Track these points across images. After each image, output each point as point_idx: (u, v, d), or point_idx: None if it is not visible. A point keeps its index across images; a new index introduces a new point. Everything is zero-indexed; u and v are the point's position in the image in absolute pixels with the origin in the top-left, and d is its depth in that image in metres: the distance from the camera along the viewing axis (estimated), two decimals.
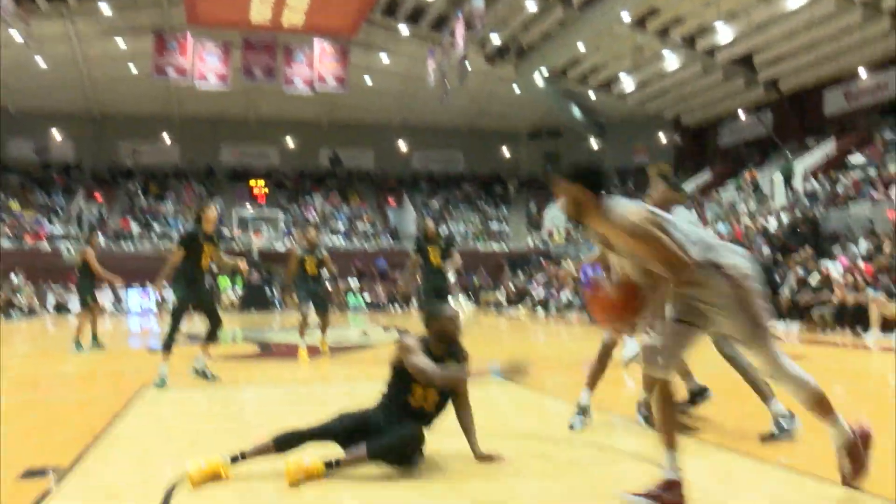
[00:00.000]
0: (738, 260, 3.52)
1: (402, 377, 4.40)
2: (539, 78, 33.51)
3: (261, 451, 4.11)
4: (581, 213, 3.53)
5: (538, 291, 25.73)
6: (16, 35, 27.25)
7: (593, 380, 5.53)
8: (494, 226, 38.68)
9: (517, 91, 35.03)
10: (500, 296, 28.47)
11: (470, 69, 30.19)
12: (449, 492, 3.78)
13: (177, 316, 8.08)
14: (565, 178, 3.53)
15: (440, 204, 39.92)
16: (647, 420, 5.37)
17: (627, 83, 32.78)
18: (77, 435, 5.24)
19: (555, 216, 35.40)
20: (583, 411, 5.39)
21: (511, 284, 28.73)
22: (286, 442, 4.12)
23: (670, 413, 3.53)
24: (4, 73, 31.30)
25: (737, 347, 5.20)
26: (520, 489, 3.87)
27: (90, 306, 12.56)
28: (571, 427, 5.31)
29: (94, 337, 12.52)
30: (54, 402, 7.08)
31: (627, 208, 3.45)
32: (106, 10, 28.89)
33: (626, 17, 26.93)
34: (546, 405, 6.67)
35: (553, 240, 34.62)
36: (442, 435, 4.63)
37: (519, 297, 26.87)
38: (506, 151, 41.99)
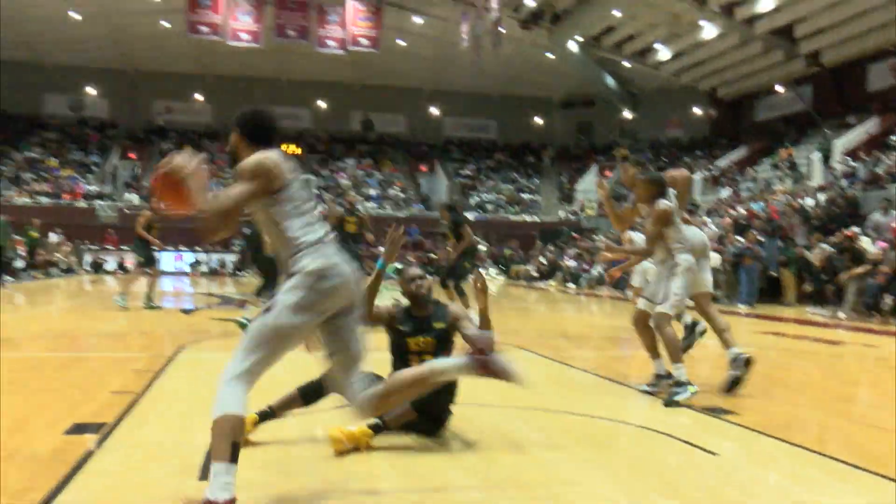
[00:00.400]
0: (321, 263, 3.07)
1: (396, 349, 4.49)
2: (573, 45, 33.11)
3: (288, 403, 4.15)
4: (233, 160, 3.31)
5: (569, 265, 25.62)
6: None
7: (653, 350, 5.82)
8: (526, 196, 38.46)
9: (550, 58, 34.63)
10: (531, 268, 28.39)
11: (503, 32, 29.87)
12: (482, 462, 3.81)
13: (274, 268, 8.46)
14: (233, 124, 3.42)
15: (472, 172, 39.78)
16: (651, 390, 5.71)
17: (663, 53, 32.29)
18: (118, 393, 5.35)
19: (587, 189, 35.14)
20: (659, 379, 5.75)
21: (542, 257, 28.65)
22: (311, 393, 4.16)
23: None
24: (40, 27, 31.75)
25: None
26: (553, 462, 3.89)
27: (144, 268, 12.91)
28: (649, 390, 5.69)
29: (149, 298, 12.74)
30: (95, 360, 7.21)
31: (256, 155, 3.15)
32: None
33: None
34: (575, 379, 6.68)
35: (585, 213, 34.42)
36: (473, 407, 4.67)
37: (550, 269, 26.78)
38: (538, 120, 41.65)
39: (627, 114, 37.54)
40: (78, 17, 31.33)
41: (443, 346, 4.43)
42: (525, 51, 34.38)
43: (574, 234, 30.15)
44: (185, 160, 3.00)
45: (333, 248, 3.19)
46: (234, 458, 2.87)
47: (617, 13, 29.85)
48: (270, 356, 3.03)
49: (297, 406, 4.15)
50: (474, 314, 10.71)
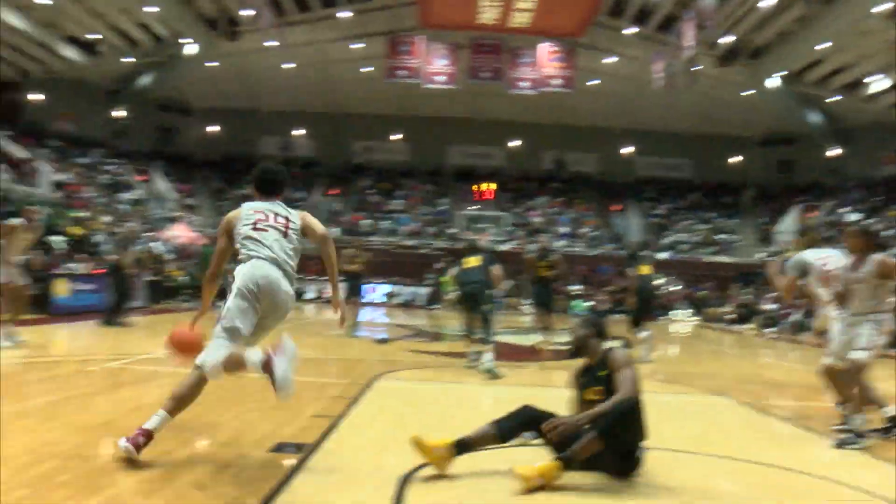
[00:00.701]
0: (243, 273, 4.32)
1: (577, 403, 4.56)
2: (773, 81, 31.63)
3: (485, 439, 4.25)
4: None
5: (768, 308, 24.27)
6: (269, 42, 30.17)
7: (858, 402, 5.64)
8: (722, 236, 36.95)
9: (748, 94, 33.24)
10: (727, 310, 27.18)
11: (699, 69, 29.09)
12: None
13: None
14: None
15: (665, 211, 38.85)
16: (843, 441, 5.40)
17: (876, 84, 30.00)
18: (317, 416, 5.64)
19: (788, 230, 33.28)
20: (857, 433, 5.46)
21: (739, 299, 27.37)
22: (508, 430, 4.27)
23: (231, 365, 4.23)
24: (259, 78, 35.09)
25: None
26: None
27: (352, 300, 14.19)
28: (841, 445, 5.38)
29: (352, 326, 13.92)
30: (296, 384, 7.59)
31: (230, 213, 4.59)
32: (345, 16, 31.00)
33: (880, 8, 24.55)
34: (775, 428, 6.31)
35: (786, 254, 32.45)
36: (666, 453, 4.53)
37: (747, 313, 25.51)
38: (735, 158, 40.05)
39: (834, 150, 35.23)
40: (292, 64, 33.90)
41: (609, 392, 4.35)
42: (721, 88, 33.27)
43: None
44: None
45: (259, 263, 4.35)
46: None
47: (824, 45, 28.20)
48: (236, 331, 4.31)
49: (493, 443, 4.24)
50: (645, 348, 10.87)
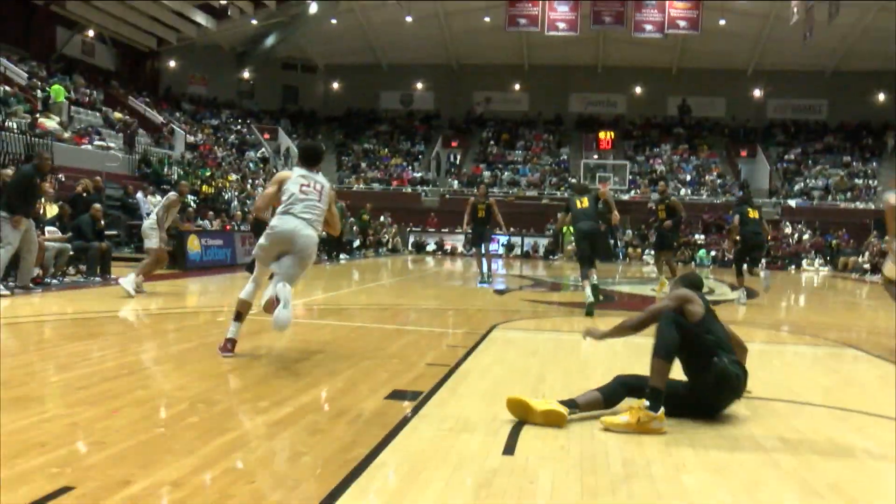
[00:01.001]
0: (274, 222, 5.73)
1: None
2: None
3: (591, 404, 4.26)
4: None
5: None
6: None
7: None
8: (860, 181, 34.78)
9: None
10: (863, 260, 25.77)
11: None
12: (801, 465, 3.52)
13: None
14: None
15: (797, 156, 36.89)
16: None
17: None
18: (433, 365, 5.71)
19: None
20: None
21: (877, 248, 25.86)
22: (612, 396, 4.29)
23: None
24: (379, 33, 35.58)
25: None
26: (887, 474, 3.48)
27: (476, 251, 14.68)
28: None
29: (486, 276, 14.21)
30: (413, 333, 7.73)
31: (281, 172, 6.08)
32: None
33: None
34: None
35: None
36: (789, 405, 4.33)
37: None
38: (880, 97, 37.36)
39: None
40: (412, 18, 33.99)
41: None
42: (868, 18, 30.87)
43: None
44: None
45: (289, 217, 5.69)
46: (236, 318, 5.74)
47: None
48: (262, 265, 5.94)
49: (600, 408, 4.23)
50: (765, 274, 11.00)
